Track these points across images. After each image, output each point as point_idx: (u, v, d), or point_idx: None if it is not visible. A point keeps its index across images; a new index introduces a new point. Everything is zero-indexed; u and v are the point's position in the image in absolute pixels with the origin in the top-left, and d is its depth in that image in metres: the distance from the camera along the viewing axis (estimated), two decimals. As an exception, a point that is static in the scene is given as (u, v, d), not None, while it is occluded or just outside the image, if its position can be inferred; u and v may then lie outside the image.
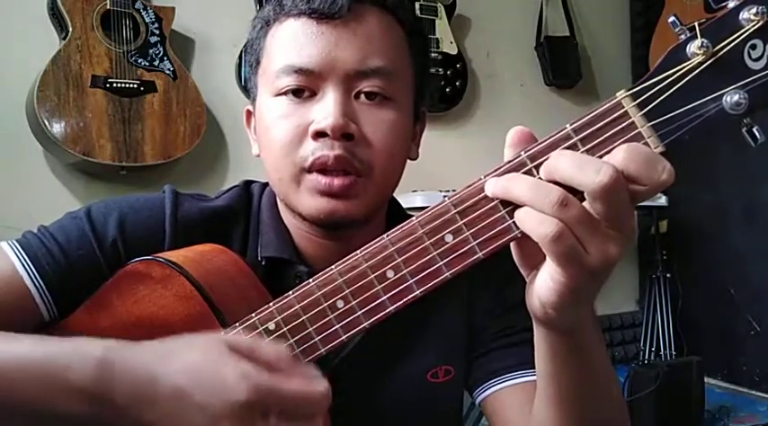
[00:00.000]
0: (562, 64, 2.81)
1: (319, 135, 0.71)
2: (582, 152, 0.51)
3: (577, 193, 0.49)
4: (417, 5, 2.45)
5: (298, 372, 0.54)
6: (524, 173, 0.52)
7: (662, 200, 2.63)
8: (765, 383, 2.56)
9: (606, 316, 2.87)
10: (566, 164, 0.49)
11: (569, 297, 0.52)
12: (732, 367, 2.67)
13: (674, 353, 2.67)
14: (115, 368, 0.51)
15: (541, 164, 0.52)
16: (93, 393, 0.50)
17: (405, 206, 0.89)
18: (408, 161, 0.81)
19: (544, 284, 0.53)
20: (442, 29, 2.52)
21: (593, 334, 0.61)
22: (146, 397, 0.50)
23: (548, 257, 0.50)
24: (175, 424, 0.50)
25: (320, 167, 0.72)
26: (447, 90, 2.54)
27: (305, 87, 0.73)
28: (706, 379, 2.40)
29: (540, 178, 0.51)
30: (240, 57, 2.20)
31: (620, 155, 0.48)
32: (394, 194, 0.83)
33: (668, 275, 2.73)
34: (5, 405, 0.51)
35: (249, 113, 0.84)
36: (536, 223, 0.49)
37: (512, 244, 0.56)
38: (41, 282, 0.72)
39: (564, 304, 0.52)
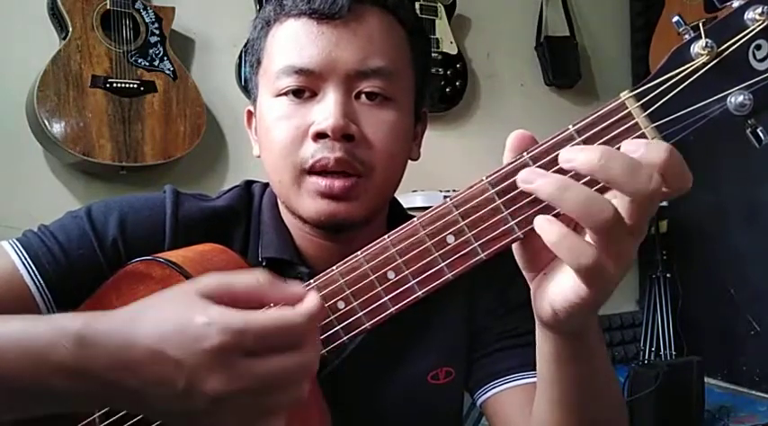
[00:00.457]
0: (562, 64, 2.81)
1: (320, 136, 0.71)
2: None
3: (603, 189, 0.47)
4: (417, 5, 2.44)
5: (279, 295, 0.52)
6: None
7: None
8: (765, 383, 2.56)
9: (606, 316, 2.87)
10: (618, 167, 0.45)
11: (588, 308, 0.51)
12: (732, 367, 2.67)
13: (674, 353, 2.67)
14: (91, 341, 0.49)
15: (544, 165, 0.51)
16: (75, 369, 0.49)
17: (405, 206, 0.88)
18: (409, 161, 0.81)
19: (562, 295, 0.52)
20: (442, 29, 2.52)
21: (596, 336, 0.61)
22: (123, 365, 0.49)
23: (575, 276, 0.49)
24: (158, 387, 0.49)
25: (321, 169, 0.71)
26: (447, 90, 2.54)
27: (305, 88, 0.73)
28: (706, 379, 2.39)
29: (560, 169, 0.49)
30: (240, 57, 2.20)
31: (659, 156, 0.46)
32: (394, 194, 0.83)
33: (668, 275, 2.73)
34: None
35: (250, 114, 0.84)
36: (576, 254, 0.47)
37: (514, 247, 0.56)
38: (41, 281, 0.72)
39: (580, 313, 0.52)
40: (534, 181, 0.48)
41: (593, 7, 3.00)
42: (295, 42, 0.73)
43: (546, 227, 0.48)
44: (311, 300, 0.52)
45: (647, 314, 2.74)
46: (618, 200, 0.47)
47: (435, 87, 2.49)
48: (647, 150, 0.46)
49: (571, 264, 0.48)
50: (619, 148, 0.48)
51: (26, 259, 0.72)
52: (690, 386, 2.31)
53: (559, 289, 0.52)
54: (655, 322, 2.71)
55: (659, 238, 2.79)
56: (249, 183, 0.87)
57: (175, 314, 0.49)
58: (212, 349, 0.47)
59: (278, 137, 0.74)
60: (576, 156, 0.47)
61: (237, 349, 0.48)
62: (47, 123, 1.78)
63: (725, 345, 2.70)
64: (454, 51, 2.54)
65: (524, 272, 0.57)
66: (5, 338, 0.51)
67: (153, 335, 0.49)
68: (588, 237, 0.48)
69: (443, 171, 2.13)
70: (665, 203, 2.64)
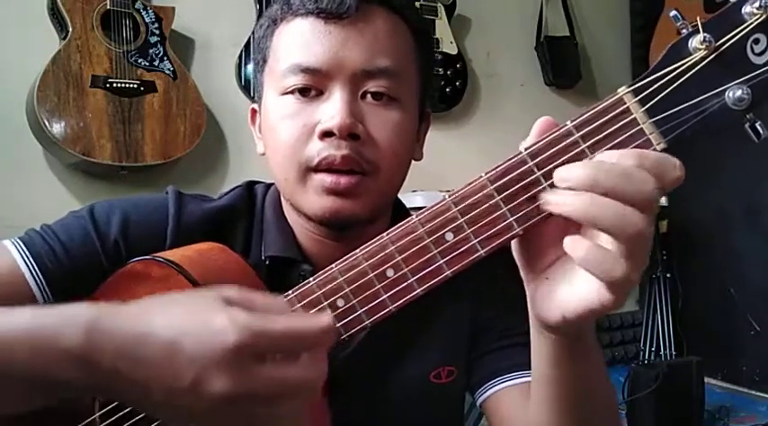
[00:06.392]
0: (562, 64, 2.82)
1: (326, 134, 0.71)
2: (584, 149, 0.50)
3: None
4: (417, 5, 2.44)
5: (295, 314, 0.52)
6: (524, 171, 0.52)
7: (662, 200, 2.62)
8: (765, 383, 2.56)
9: (606, 316, 2.87)
10: (615, 176, 0.46)
11: (604, 313, 0.51)
12: (732, 367, 2.66)
13: (674, 353, 2.67)
14: (102, 329, 0.49)
15: (542, 161, 0.51)
16: (83, 358, 0.48)
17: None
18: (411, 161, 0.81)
19: (581, 302, 0.51)
20: (442, 29, 2.52)
21: (593, 335, 0.61)
22: (133, 355, 0.48)
23: (601, 286, 0.49)
24: (166, 380, 0.48)
25: (327, 167, 0.71)
26: (447, 90, 2.54)
27: (312, 86, 0.73)
28: (706, 379, 2.39)
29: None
30: (240, 57, 2.20)
31: (640, 156, 0.47)
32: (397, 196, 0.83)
33: (668, 275, 2.73)
34: (3, 374, 0.51)
35: (254, 112, 0.84)
36: (607, 268, 0.47)
37: (515, 248, 0.56)
38: (43, 279, 0.72)
39: (593, 318, 0.52)
40: (565, 201, 0.49)
41: (593, 7, 3.00)
42: (302, 41, 0.73)
43: (572, 245, 0.49)
44: (327, 317, 0.51)
45: (647, 314, 2.74)
46: None
47: (435, 87, 2.49)
48: (618, 156, 0.48)
49: (602, 277, 0.48)
50: (616, 147, 0.49)
51: (28, 257, 0.72)
52: (690, 386, 2.31)
53: (576, 297, 0.51)
54: (655, 322, 2.71)
55: (659, 238, 2.78)
56: (251, 184, 0.87)
57: (195, 312, 0.49)
58: (227, 346, 0.46)
59: (284, 135, 0.74)
60: (570, 175, 0.48)
61: (252, 351, 0.47)
62: (47, 123, 1.78)
63: (725, 345, 2.69)
64: (454, 51, 2.55)
65: (523, 275, 0.57)
66: (15, 326, 0.51)
67: (171, 327, 0.48)
68: (608, 244, 0.48)
69: (443, 171, 2.13)
70: (664, 203, 2.66)
